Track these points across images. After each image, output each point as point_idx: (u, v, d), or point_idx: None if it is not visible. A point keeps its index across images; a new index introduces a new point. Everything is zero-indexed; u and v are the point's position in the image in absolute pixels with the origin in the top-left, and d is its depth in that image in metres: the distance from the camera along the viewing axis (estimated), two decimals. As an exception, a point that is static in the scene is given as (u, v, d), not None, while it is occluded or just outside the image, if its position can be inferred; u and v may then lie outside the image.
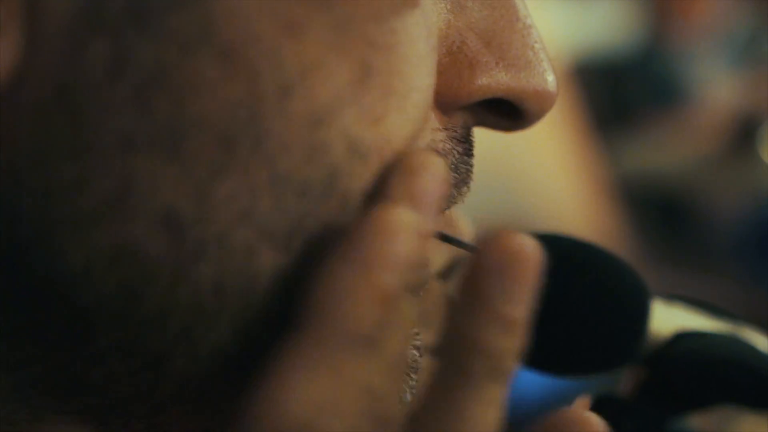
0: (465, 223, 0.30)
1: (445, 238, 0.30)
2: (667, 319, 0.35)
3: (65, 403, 0.26)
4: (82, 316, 0.23)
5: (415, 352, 0.29)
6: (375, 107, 0.24)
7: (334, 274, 0.22)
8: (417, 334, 0.30)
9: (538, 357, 0.34)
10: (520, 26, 0.28)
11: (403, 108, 0.25)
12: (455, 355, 0.24)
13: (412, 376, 0.29)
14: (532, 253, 0.25)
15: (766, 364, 0.34)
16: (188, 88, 0.22)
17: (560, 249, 0.34)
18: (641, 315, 0.34)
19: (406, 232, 0.23)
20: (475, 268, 0.24)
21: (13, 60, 0.21)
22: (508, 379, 0.26)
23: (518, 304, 0.25)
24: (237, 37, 0.22)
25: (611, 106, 2.46)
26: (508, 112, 0.29)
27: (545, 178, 2.05)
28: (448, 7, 0.28)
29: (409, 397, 0.29)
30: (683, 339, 0.34)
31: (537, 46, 0.28)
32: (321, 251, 0.24)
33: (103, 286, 0.23)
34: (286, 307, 0.24)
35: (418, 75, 0.26)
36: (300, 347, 0.22)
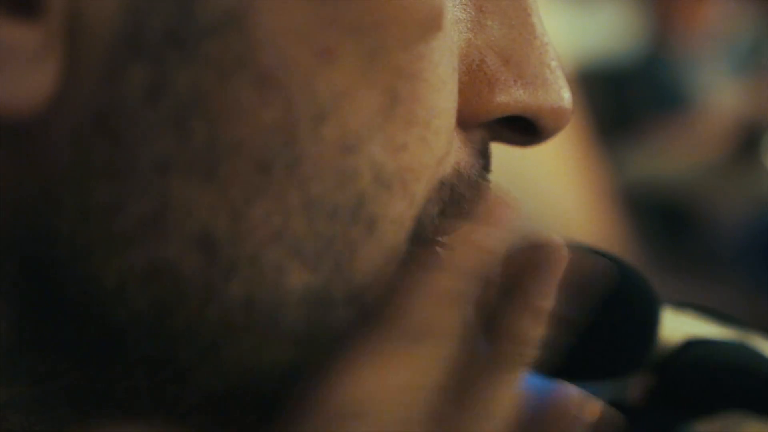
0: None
1: None
2: (677, 326, 0.35)
3: (86, 415, 0.26)
4: (112, 332, 0.24)
5: None
6: (398, 136, 0.25)
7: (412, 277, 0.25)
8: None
9: (546, 363, 0.34)
10: (537, 44, 0.29)
11: (426, 136, 0.26)
12: (488, 339, 0.26)
13: None
14: (562, 255, 0.27)
15: (775, 371, 0.35)
16: (225, 112, 0.23)
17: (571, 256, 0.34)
18: (651, 322, 0.34)
19: (483, 250, 0.26)
20: (515, 264, 0.26)
21: (54, 84, 0.21)
22: (528, 367, 0.28)
23: (547, 297, 0.27)
24: (273, 63, 0.23)
25: (615, 113, 2.46)
26: (524, 128, 0.30)
27: (549, 184, 2.05)
28: (468, 25, 0.28)
29: None
30: (692, 346, 0.35)
31: (554, 64, 0.29)
32: (347, 273, 0.25)
33: (135, 303, 0.23)
34: (312, 324, 0.25)
35: (440, 99, 0.26)
36: (373, 340, 0.24)
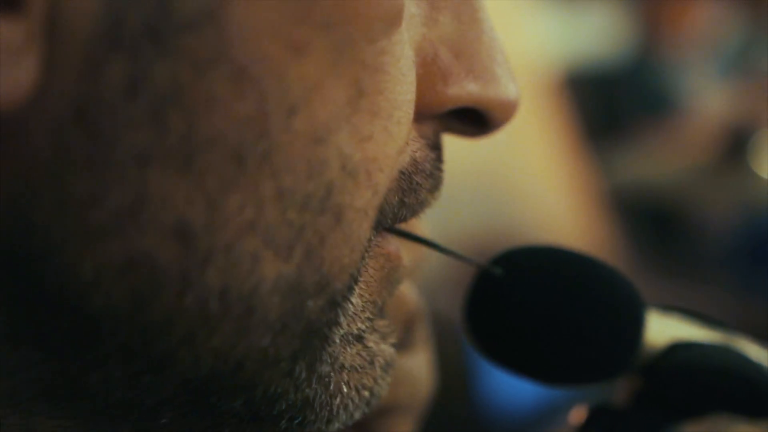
0: (424, 226, 0.31)
1: (432, 245, 0.31)
2: (662, 329, 0.35)
3: (57, 407, 0.26)
4: (87, 323, 0.24)
5: (391, 349, 0.30)
6: (363, 127, 0.26)
7: None
8: (393, 332, 0.31)
9: (534, 366, 0.34)
10: (486, 39, 0.30)
11: (388, 127, 0.27)
12: None
13: (388, 371, 0.30)
14: None
15: (759, 373, 0.35)
16: (202, 105, 0.23)
17: (555, 260, 0.34)
18: (636, 325, 0.34)
19: None
20: None
21: (34, 79, 0.21)
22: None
23: None
24: (247, 57, 0.23)
25: (603, 116, 2.47)
26: (474, 120, 0.31)
27: (538, 188, 2.06)
28: (422, 20, 0.29)
29: (384, 391, 0.30)
30: (678, 349, 0.35)
31: (502, 58, 0.30)
32: (317, 262, 0.26)
33: (111, 294, 0.23)
34: (285, 313, 0.26)
35: (402, 91, 0.27)
36: None
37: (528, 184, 2.02)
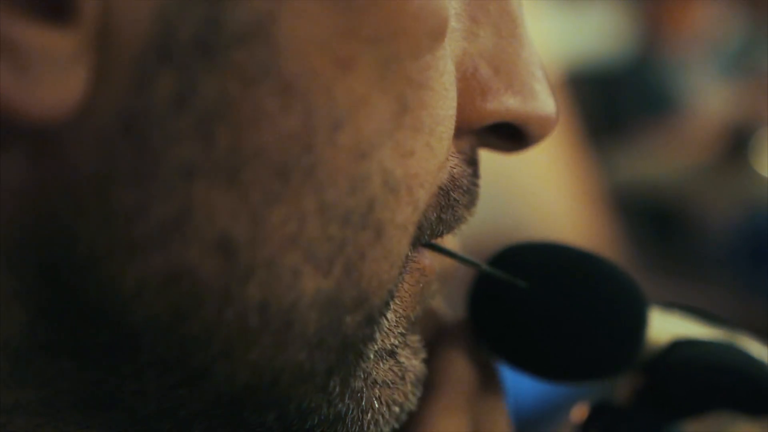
0: (452, 240, 0.31)
1: (450, 254, 0.31)
2: (665, 327, 0.35)
3: (91, 418, 0.26)
4: (126, 335, 0.24)
5: (422, 364, 0.30)
6: (406, 143, 0.26)
7: None
8: (424, 347, 0.31)
9: (537, 363, 0.35)
10: (526, 55, 0.30)
11: (430, 143, 0.27)
12: None
13: (418, 387, 0.30)
14: None
15: (761, 371, 0.35)
16: (249, 120, 0.23)
17: (558, 257, 0.35)
18: (639, 323, 0.34)
19: None
20: None
21: (83, 90, 0.21)
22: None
23: None
24: (295, 72, 0.23)
25: (604, 115, 2.46)
26: (511, 135, 0.31)
27: (539, 187, 2.05)
28: (462, 35, 0.29)
29: (413, 406, 0.30)
30: (680, 347, 0.35)
31: (540, 74, 0.30)
32: (356, 277, 0.26)
33: (152, 307, 0.23)
34: (322, 328, 0.26)
35: (443, 107, 0.27)
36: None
37: (529, 182, 2.02)
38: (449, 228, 0.29)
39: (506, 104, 0.29)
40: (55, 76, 0.21)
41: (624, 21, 2.80)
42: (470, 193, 0.30)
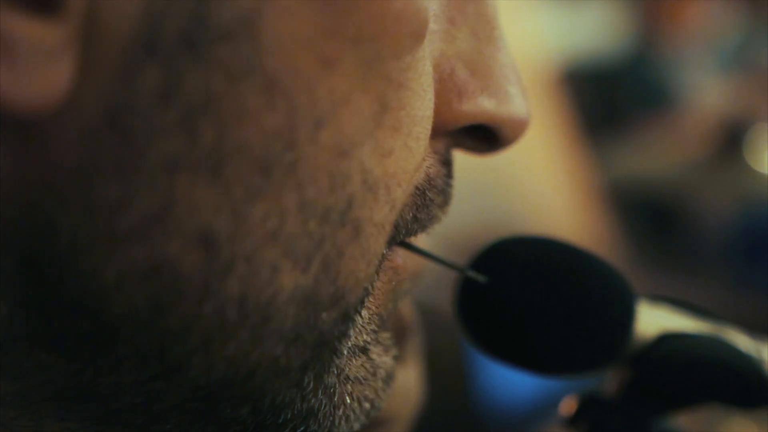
0: (422, 237, 0.32)
1: (423, 253, 0.32)
2: (652, 320, 0.35)
3: (67, 410, 0.27)
4: (105, 327, 0.24)
5: (392, 361, 0.31)
6: (385, 142, 0.26)
7: None
8: (395, 344, 0.31)
9: (526, 358, 0.35)
10: (501, 57, 0.30)
11: (408, 143, 0.27)
12: None
13: (389, 383, 0.30)
14: None
15: (747, 364, 0.35)
16: (233, 115, 0.23)
17: (547, 252, 0.35)
18: (627, 317, 0.34)
19: None
20: None
21: (68, 82, 0.21)
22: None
23: None
24: (280, 69, 0.23)
25: (601, 111, 2.47)
26: (485, 137, 0.31)
27: (535, 182, 2.06)
28: (441, 36, 0.29)
29: (384, 403, 0.30)
30: (667, 340, 0.35)
31: (515, 76, 0.30)
32: (333, 275, 0.26)
33: (133, 299, 0.23)
34: (299, 324, 0.26)
35: (421, 108, 0.27)
36: None
37: (526, 178, 2.02)
38: (423, 227, 0.30)
39: (481, 106, 0.29)
40: (41, 68, 0.21)
41: (621, 17, 2.80)
42: (444, 193, 0.30)
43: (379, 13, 0.25)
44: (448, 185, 0.31)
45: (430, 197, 0.29)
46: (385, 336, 0.31)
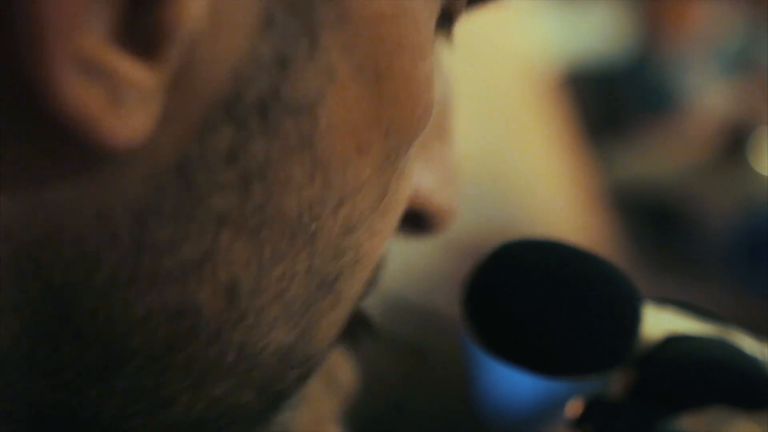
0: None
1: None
2: (658, 322, 0.35)
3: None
4: (113, 359, 0.25)
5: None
6: (377, 223, 0.28)
7: None
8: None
9: (531, 359, 0.35)
10: (447, 148, 0.32)
11: (390, 224, 0.29)
12: None
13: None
14: None
15: (753, 366, 0.35)
16: (281, 183, 0.24)
17: (553, 254, 0.35)
18: (633, 319, 0.35)
19: None
20: None
21: (150, 126, 0.22)
22: None
23: None
24: (326, 149, 0.25)
25: (603, 114, 2.47)
26: (410, 221, 0.32)
27: (538, 185, 2.06)
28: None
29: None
30: (673, 342, 0.35)
31: (454, 171, 0.33)
32: (308, 338, 0.28)
33: (151, 336, 0.24)
34: (271, 376, 0.28)
35: (406, 193, 0.30)
36: None
37: (529, 181, 2.02)
38: (364, 299, 0.32)
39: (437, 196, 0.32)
40: (135, 107, 0.21)
41: (623, 20, 2.81)
42: (382, 267, 0.32)
43: (411, 108, 0.27)
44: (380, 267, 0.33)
45: (378, 273, 0.31)
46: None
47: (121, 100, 0.21)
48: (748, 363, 0.35)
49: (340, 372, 0.35)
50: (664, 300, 0.37)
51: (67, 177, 0.22)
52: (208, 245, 0.24)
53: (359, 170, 0.26)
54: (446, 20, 0.30)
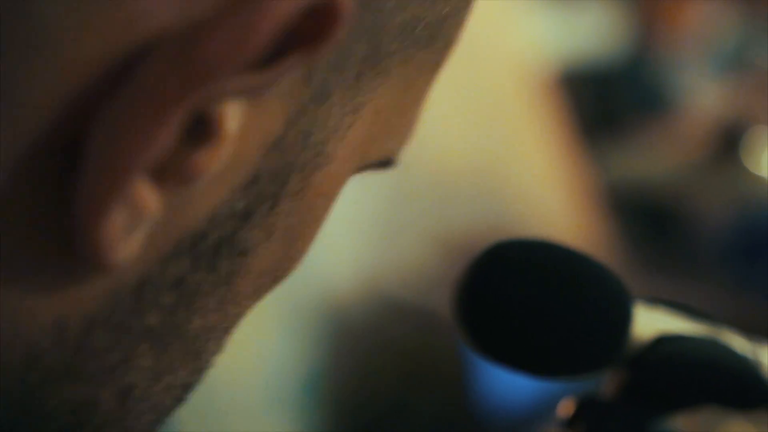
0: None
1: None
2: (649, 322, 0.35)
3: None
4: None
5: None
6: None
7: None
8: None
9: (524, 361, 0.35)
10: None
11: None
12: None
13: None
14: None
15: (743, 366, 0.35)
16: (198, 309, 0.26)
17: (543, 254, 0.35)
18: (624, 319, 0.35)
19: None
20: None
21: (137, 251, 0.23)
22: None
23: None
24: (238, 288, 0.27)
25: (598, 114, 2.47)
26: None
27: (533, 185, 2.06)
28: None
29: None
30: (664, 342, 0.35)
31: None
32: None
33: (52, 423, 0.25)
34: None
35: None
36: None
37: (524, 181, 2.03)
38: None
39: None
40: (140, 232, 0.22)
41: (618, 20, 2.81)
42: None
43: (298, 262, 0.29)
44: None
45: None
46: None
47: (138, 227, 0.22)
48: (739, 362, 0.35)
49: None
50: (655, 300, 0.37)
51: (47, 287, 0.23)
52: (127, 353, 0.25)
53: (247, 307, 0.28)
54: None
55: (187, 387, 0.28)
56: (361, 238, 1.80)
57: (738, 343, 0.36)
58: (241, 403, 1.68)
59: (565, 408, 0.37)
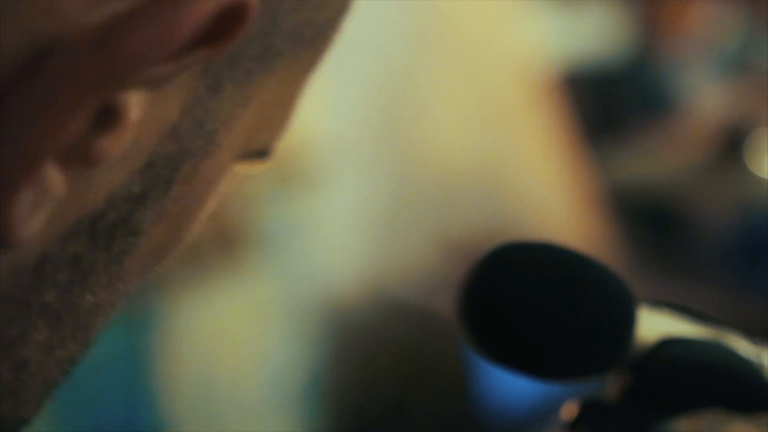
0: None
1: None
2: (653, 325, 0.35)
3: None
4: None
5: None
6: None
7: None
8: None
9: (527, 363, 0.35)
10: None
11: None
12: None
13: None
14: None
15: (747, 369, 0.35)
16: (91, 285, 0.27)
17: (548, 257, 0.35)
18: (627, 322, 0.35)
19: None
20: None
21: (39, 229, 0.23)
22: None
23: None
24: (126, 267, 0.28)
25: (601, 115, 2.47)
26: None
27: (536, 187, 2.06)
28: None
29: None
30: (668, 345, 0.35)
31: None
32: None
33: None
34: None
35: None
36: None
37: (527, 182, 2.03)
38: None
39: None
40: (43, 210, 0.23)
41: (621, 21, 2.81)
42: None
43: (180, 246, 0.30)
44: None
45: None
46: None
47: (42, 206, 0.23)
48: (743, 366, 0.35)
49: None
50: (659, 302, 0.37)
51: None
52: (24, 329, 0.26)
53: (133, 285, 0.29)
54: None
55: (74, 361, 0.29)
56: (363, 240, 1.80)
57: (742, 346, 0.36)
58: (242, 403, 1.68)
59: (569, 410, 0.37)
